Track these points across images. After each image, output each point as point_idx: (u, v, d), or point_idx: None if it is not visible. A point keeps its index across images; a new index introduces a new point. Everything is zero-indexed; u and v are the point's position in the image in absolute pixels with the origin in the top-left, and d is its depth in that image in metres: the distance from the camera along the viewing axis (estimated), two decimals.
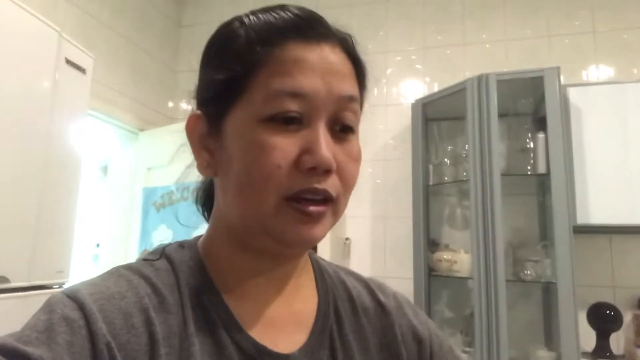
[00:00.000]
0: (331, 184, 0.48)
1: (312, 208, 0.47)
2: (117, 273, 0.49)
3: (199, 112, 0.53)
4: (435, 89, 2.61)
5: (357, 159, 0.51)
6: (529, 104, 2.29)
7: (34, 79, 1.38)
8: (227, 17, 0.54)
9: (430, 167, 2.43)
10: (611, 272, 2.28)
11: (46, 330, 0.41)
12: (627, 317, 2.17)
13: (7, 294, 1.22)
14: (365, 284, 0.63)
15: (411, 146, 2.43)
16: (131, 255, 2.60)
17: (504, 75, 2.12)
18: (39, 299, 1.37)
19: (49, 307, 0.44)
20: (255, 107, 0.48)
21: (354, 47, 0.54)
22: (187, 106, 3.06)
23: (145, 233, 2.59)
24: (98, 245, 3.10)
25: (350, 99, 0.50)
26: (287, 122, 0.47)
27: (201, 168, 0.53)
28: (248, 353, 0.48)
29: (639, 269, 2.25)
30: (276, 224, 0.48)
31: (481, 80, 2.13)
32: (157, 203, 2.57)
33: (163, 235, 2.51)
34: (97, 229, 2.95)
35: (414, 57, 2.75)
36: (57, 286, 1.43)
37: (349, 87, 0.50)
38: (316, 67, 0.48)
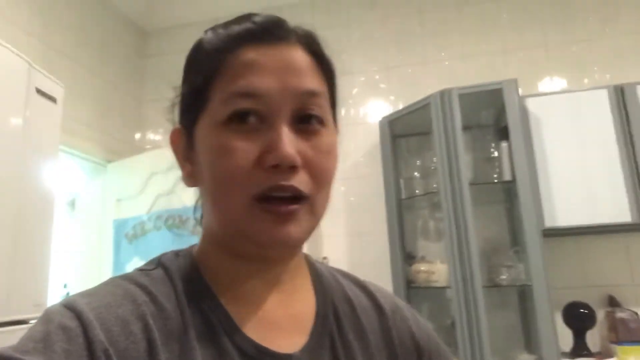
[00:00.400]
0: (299, 180, 0.48)
1: (283, 207, 0.47)
2: (113, 283, 0.49)
3: (179, 126, 0.56)
4: (400, 106, 2.69)
5: (328, 151, 0.51)
6: (491, 115, 2.39)
7: (5, 113, 1.37)
8: (191, 45, 0.57)
9: (402, 181, 2.48)
10: (582, 272, 2.36)
11: (43, 340, 0.41)
12: (600, 314, 2.25)
13: None
14: (362, 285, 0.63)
15: (381, 162, 2.48)
16: None
17: (465, 89, 2.21)
18: (18, 334, 1.32)
19: (46, 317, 0.43)
20: (215, 113, 0.49)
21: (315, 43, 0.54)
22: (155, 136, 3.05)
23: (118, 266, 2.52)
24: (65, 285, 3.00)
25: (312, 94, 0.50)
26: (243, 119, 0.48)
27: (185, 179, 0.55)
28: (250, 355, 0.48)
29: (608, 268, 2.34)
30: (249, 226, 0.48)
31: (444, 96, 2.21)
32: (129, 234, 2.53)
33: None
34: (65, 268, 2.85)
35: (377, 77, 2.83)
36: (34, 320, 1.37)
37: (308, 83, 0.50)
38: (270, 68, 0.48)
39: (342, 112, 2.79)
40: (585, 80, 2.54)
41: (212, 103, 0.50)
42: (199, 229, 0.61)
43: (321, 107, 0.51)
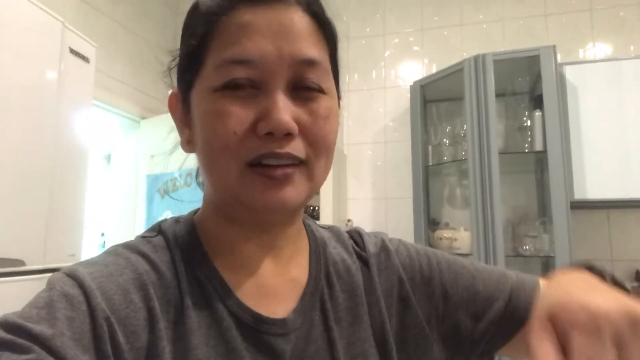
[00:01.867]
0: (295, 147, 0.46)
1: (278, 170, 0.46)
2: (114, 252, 0.50)
3: (176, 90, 0.54)
4: (434, 70, 2.63)
5: (325, 116, 0.49)
6: (526, 83, 2.31)
7: (40, 69, 1.41)
8: None
9: (430, 147, 2.46)
10: (609, 246, 2.32)
11: (46, 307, 0.41)
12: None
13: (23, 277, 1.26)
14: (352, 241, 0.62)
15: (410, 128, 2.45)
16: None
17: (501, 55, 2.14)
18: None
19: (49, 286, 0.44)
20: (210, 78, 0.48)
21: (316, 4, 0.50)
22: None
23: (150, 220, 2.63)
24: (103, 234, 3.15)
25: (310, 62, 0.48)
26: (238, 89, 0.46)
27: (183, 145, 0.54)
28: (245, 322, 0.49)
29: (636, 242, 2.30)
30: (243, 191, 0.47)
31: (478, 61, 2.15)
32: (161, 189, 2.61)
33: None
34: (102, 218, 2.99)
35: (411, 39, 2.76)
36: None
37: (306, 49, 0.47)
38: (266, 31, 0.46)
39: (373, 74, 2.76)
40: (632, 47, 2.41)
41: (207, 68, 0.48)
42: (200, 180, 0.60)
43: (320, 76, 0.49)
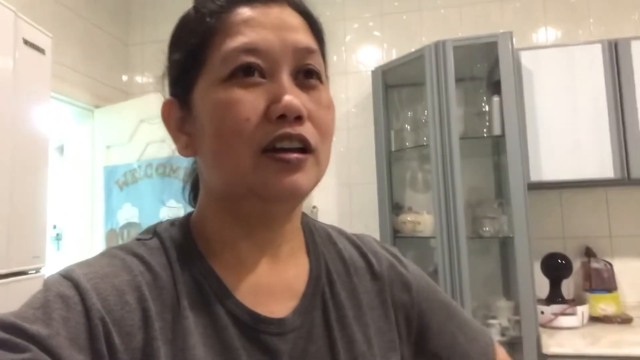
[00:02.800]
0: (306, 130, 0.48)
1: (291, 155, 0.47)
2: (110, 254, 0.50)
3: (170, 97, 0.55)
4: (394, 55, 2.65)
5: (328, 106, 0.52)
6: (484, 69, 2.37)
7: None
8: None
9: (392, 133, 2.49)
10: (561, 224, 2.44)
11: (42, 307, 0.42)
12: (577, 264, 2.36)
13: None
14: (357, 244, 0.64)
15: (373, 113, 2.47)
16: (97, 235, 2.56)
17: (460, 41, 2.18)
18: (17, 285, 1.38)
19: (45, 287, 0.45)
20: (215, 71, 0.49)
21: (303, 4, 0.54)
22: (142, 79, 2.98)
23: (109, 212, 2.55)
24: (55, 226, 3.03)
25: (308, 50, 0.51)
26: (248, 73, 0.48)
27: (181, 150, 0.54)
28: (242, 321, 0.49)
29: (586, 221, 2.43)
30: (257, 178, 0.47)
31: (438, 47, 2.18)
32: (119, 181, 2.53)
33: (129, 214, 2.48)
34: (56, 211, 2.88)
35: (371, 23, 2.77)
36: (33, 271, 1.42)
37: (304, 38, 0.51)
38: (267, 24, 0.49)
39: (334, 58, 2.75)
40: (580, 32, 2.51)
41: (211, 63, 0.49)
42: (187, 187, 0.61)
43: (318, 64, 0.52)
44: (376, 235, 2.35)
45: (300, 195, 0.49)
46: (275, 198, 0.49)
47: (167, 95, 0.55)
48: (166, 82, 0.56)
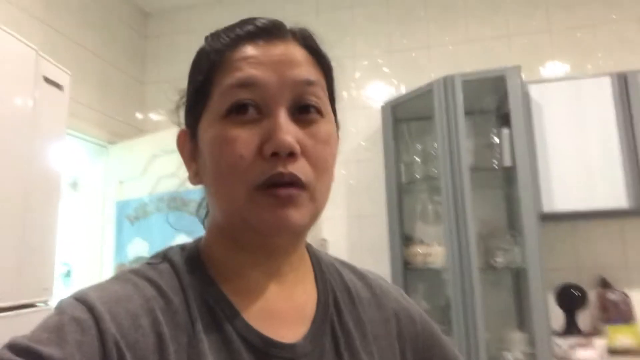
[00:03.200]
0: (298, 168, 0.48)
1: (282, 191, 0.47)
2: (123, 277, 0.50)
3: (185, 128, 0.57)
4: (403, 90, 2.69)
5: (325, 140, 0.51)
6: (493, 102, 2.39)
7: (14, 98, 1.38)
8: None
9: (402, 165, 2.49)
10: (576, 254, 2.39)
11: (56, 330, 0.42)
12: (592, 295, 2.29)
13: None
14: (361, 275, 0.65)
15: (383, 147, 2.49)
16: (106, 270, 2.56)
17: (468, 76, 2.20)
18: (27, 317, 1.37)
19: (59, 310, 0.45)
20: (215, 107, 0.50)
21: (311, 39, 0.55)
22: (156, 117, 3.05)
23: (120, 247, 2.55)
24: (66, 264, 3.03)
25: (308, 82, 0.51)
26: (243, 111, 0.49)
27: (192, 178, 0.56)
28: (255, 345, 0.49)
29: (601, 251, 2.38)
30: (251, 213, 0.48)
31: (447, 82, 2.21)
32: (131, 216, 2.55)
33: (139, 248, 2.49)
34: (67, 247, 2.89)
35: (380, 60, 2.82)
36: (43, 304, 1.42)
37: (304, 72, 0.51)
38: (266, 61, 0.50)
39: (344, 95, 2.79)
40: (589, 66, 2.53)
41: (213, 99, 0.51)
42: (202, 212, 0.62)
43: (318, 97, 0.52)
44: (387, 267, 2.33)
45: (293, 230, 0.49)
46: (269, 232, 0.50)
47: (183, 125, 0.58)
48: (182, 113, 0.59)
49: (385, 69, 2.81)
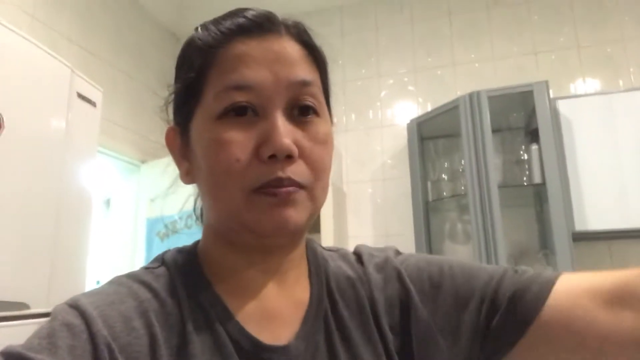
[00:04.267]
0: (296, 171, 0.48)
1: (282, 189, 0.47)
2: (117, 282, 0.51)
3: (174, 125, 0.56)
4: (429, 108, 2.69)
5: (323, 141, 0.51)
6: (521, 118, 2.36)
7: (48, 116, 1.43)
8: None
9: (429, 183, 2.48)
10: None
11: (48, 336, 0.42)
12: None
13: (27, 320, 1.23)
14: (349, 261, 0.61)
15: (409, 165, 2.48)
16: None
17: (495, 92, 2.19)
18: None
19: (51, 317, 0.45)
20: (209, 107, 0.49)
21: (305, 33, 0.53)
22: None
23: None
24: (98, 282, 3.10)
25: (304, 83, 0.50)
26: (239, 113, 0.48)
27: (182, 177, 0.55)
28: (245, 349, 0.49)
29: None
30: (249, 215, 0.48)
31: (473, 98, 2.20)
32: (161, 233, 2.60)
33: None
34: (100, 265, 2.96)
35: (406, 79, 2.83)
36: None
37: (300, 72, 0.50)
38: (261, 59, 0.49)
39: (370, 114, 2.81)
40: (620, 82, 2.48)
41: (206, 98, 0.50)
42: (198, 211, 0.61)
43: (315, 96, 0.51)
44: None
45: (291, 229, 0.49)
46: (268, 234, 0.49)
47: (172, 122, 0.57)
48: (170, 109, 0.57)
49: (411, 88, 2.82)
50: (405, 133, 2.59)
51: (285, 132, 0.47)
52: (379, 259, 0.60)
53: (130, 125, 2.72)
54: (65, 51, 2.22)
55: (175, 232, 2.56)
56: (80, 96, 1.53)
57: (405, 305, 0.56)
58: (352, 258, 0.61)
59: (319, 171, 0.50)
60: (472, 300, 0.54)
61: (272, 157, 0.46)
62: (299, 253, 0.56)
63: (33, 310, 1.28)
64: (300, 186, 0.48)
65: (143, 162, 2.79)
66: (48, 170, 1.42)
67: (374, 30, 2.93)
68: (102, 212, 3.24)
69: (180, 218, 2.55)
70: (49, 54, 1.41)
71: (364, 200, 2.73)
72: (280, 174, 0.47)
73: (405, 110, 2.78)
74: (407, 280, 0.57)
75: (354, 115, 2.83)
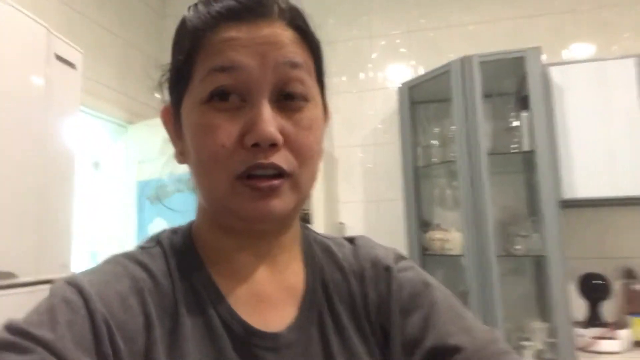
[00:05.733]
0: (280, 158, 0.48)
1: (264, 183, 0.47)
2: (113, 261, 0.52)
3: (168, 104, 0.57)
4: (421, 71, 2.65)
5: (308, 127, 0.50)
6: (512, 84, 2.34)
7: (25, 76, 1.39)
8: None
9: (419, 149, 2.48)
10: (599, 243, 2.35)
11: (47, 312, 0.43)
12: (617, 286, 2.26)
13: (15, 289, 1.24)
14: (352, 250, 0.61)
15: (399, 129, 2.47)
16: (129, 249, 2.61)
17: (487, 57, 2.16)
18: (45, 293, 1.40)
19: (50, 294, 0.47)
20: (197, 91, 0.49)
21: (299, 18, 0.52)
22: None
23: (141, 227, 2.60)
24: (93, 254, 3.10)
25: (292, 64, 0.49)
26: (224, 97, 0.48)
27: (177, 156, 0.56)
28: (237, 333, 0.50)
29: (626, 240, 2.33)
30: (233, 202, 0.49)
31: (464, 62, 2.17)
32: (151, 196, 2.59)
33: (159, 229, 2.53)
34: (93, 227, 2.96)
35: (398, 40, 2.78)
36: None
37: (288, 53, 0.49)
38: (248, 43, 0.48)
39: (361, 76, 2.77)
40: (614, 47, 2.46)
41: (194, 82, 0.50)
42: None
43: (303, 80, 0.50)
44: (404, 252, 2.32)
45: (275, 219, 0.49)
46: (252, 221, 0.50)
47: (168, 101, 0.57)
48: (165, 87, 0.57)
49: (403, 50, 2.77)
50: (396, 97, 2.56)
51: (270, 121, 0.47)
52: (375, 256, 0.59)
53: (116, 86, 2.65)
54: (45, 8, 2.13)
55: (166, 195, 2.55)
56: (59, 57, 1.48)
57: (386, 307, 0.55)
58: (348, 249, 0.61)
59: (304, 158, 0.50)
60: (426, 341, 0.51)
61: (256, 145, 0.47)
62: (290, 237, 0.57)
63: (21, 279, 1.28)
64: (284, 173, 0.48)
65: (130, 123, 2.74)
66: (29, 133, 1.39)
67: None
68: (92, 174, 3.21)
69: (171, 181, 2.54)
70: (23, 12, 1.35)
71: (355, 165, 2.73)
72: (263, 160, 0.47)
73: (397, 73, 2.74)
74: (394, 288, 0.56)
75: (344, 77, 2.78)
